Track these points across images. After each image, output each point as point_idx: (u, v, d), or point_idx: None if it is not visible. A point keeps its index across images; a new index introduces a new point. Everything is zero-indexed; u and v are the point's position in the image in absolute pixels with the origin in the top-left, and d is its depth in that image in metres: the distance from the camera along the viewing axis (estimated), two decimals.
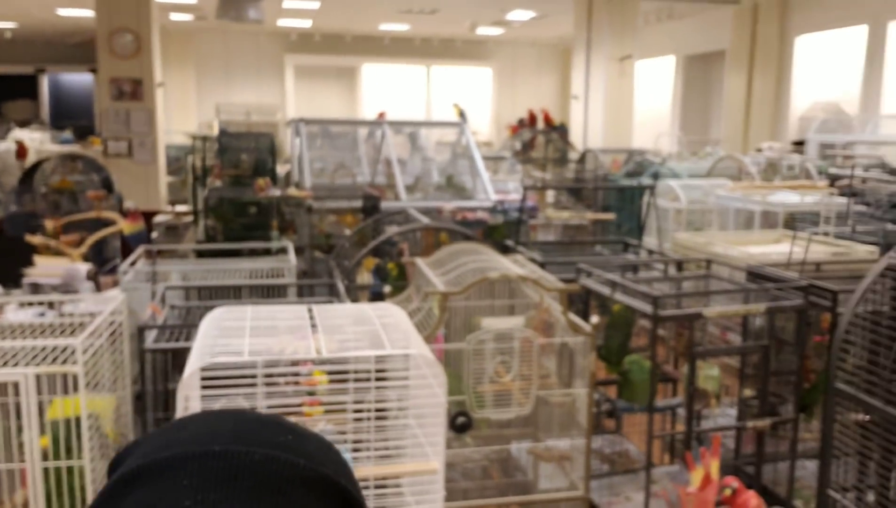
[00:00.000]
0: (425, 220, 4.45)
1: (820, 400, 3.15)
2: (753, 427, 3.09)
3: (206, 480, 0.45)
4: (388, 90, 15.97)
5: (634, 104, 10.84)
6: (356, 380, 1.55)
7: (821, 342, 3.18)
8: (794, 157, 7.91)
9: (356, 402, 1.56)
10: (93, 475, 2.38)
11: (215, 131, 9.86)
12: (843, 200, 5.12)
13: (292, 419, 0.57)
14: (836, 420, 2.44)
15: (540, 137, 11.06)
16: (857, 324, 2.40)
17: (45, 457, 2.29)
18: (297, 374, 1.57)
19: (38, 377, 2.22)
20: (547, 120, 12.22)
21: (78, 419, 2.31)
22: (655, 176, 6.78)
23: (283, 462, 0.47)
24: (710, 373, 3.17)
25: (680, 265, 3.82)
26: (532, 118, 12.46)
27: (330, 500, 0.48)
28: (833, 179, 6.46)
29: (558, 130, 11.48)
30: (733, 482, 1.71)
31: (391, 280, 3.83)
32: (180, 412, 1.42)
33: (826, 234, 4.42)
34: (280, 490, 0.46)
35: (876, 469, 2.35)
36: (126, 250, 4.78)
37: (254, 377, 1.44)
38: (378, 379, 1.57)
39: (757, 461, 3.17)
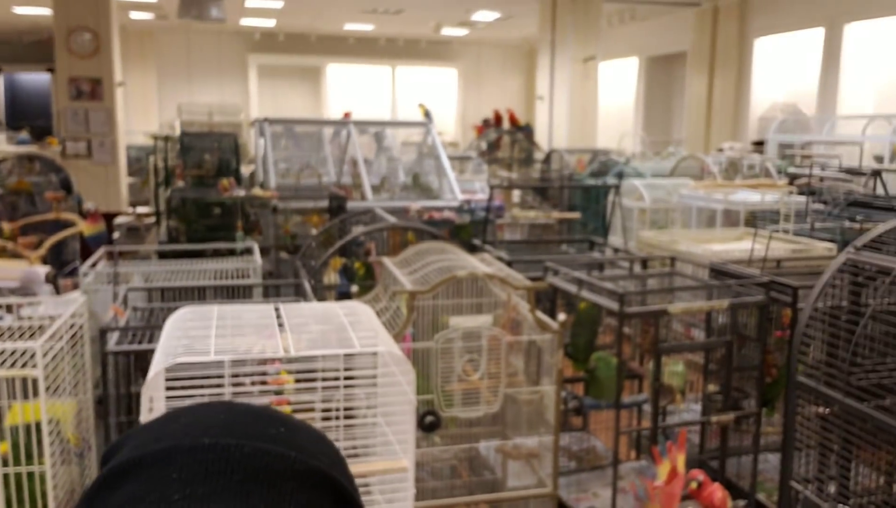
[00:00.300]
0: (392, 219, 4.44)
1: (781, 394, 3.21)
2: (717, 422, 3.14)
3: (196, 473, 0.44)
4: (353, 90, 15.90)
5: (598, 105, 10.95)
6: (324, 379, 1.53)
7: (782, 337, 3.24)
8: (755, 156, 8.06)
9: (324, 401, 1.55)
10: (54, 480, 2.33)
11: (177, 132, 9.72)
12: (802, 198, 5.22)
13: None
14: (798, 413, 2.49)
15: (506, 138, 11.12)
16: (817, 319, 2.45)
17: (4, 463, 2.24)
18: (264, 373, 1.56)
19: None
20: (512, 120, 12.28)
21: (38, 425, 2.26)
22: (620, 176, 6.85)
23: (273, 455, 0.46)
24: (675, 369, 3.22)
25: (645, 263, 3.86)
26: (497, 119, 12.51)
27: (322, 493, 0.47)
28: (792, 178, 6.59)
29: (524, 131, 11.54)
30: (699, 475, 1.74)
31: (358, 280, 3.81)
32: (145, 414, 1.39)
33: (786, 231, 4.51)
34: (270, 483, 0.45)
35: (836, 460, 2.40)
36: (86, 252, 4.69)
37: (220, 376, 1.43)
38: (346, 378, 1.56)
39: (721, 455, 3.22)
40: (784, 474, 2.58)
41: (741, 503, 2.87)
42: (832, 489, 2.44)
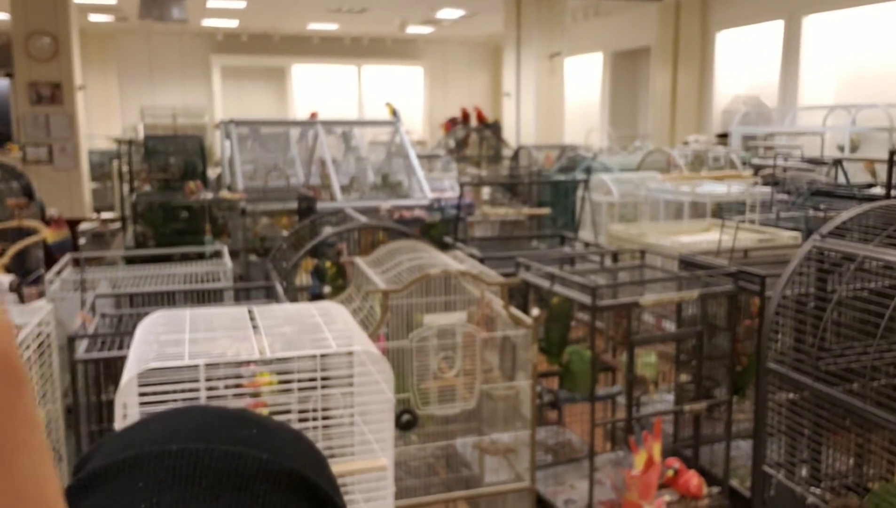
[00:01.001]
0: (363, 219, 4.42)
1: (752, 382, 3.26)
2: (690, 411, 3.18)
3: (163, 481, 0.43)
4: (319, 90, 15.81)
5: (565, 101, 11.02)
6: (300, 380, 1.52)
7: (751, 325, 3.29)
8: (719, 148, 8.17)
9: (301, 402, 1.54)
10: None
11: (140, 135, 9.58)
12: (767, 189, 5.31)
13: None
14: (769, 400, 2.53)
15: (473, 135, 11.13)
16: (786, 306, 2.49)
17: None
18: (239, 376, 1.54)
19: None
20: (480, 118, 12.30)
21: None
22: (588, 171, 6.90)
23: (245, 458, 0.45)
24: (647, 360, 3.25)
25: (615, 257, 3.90)
26: (465, 116, 12.52)
27: (297, 494, 0.46)
28: (756, 169, 6.69)
29: (491, 128, 11.57)
30: (675, 463, 1.76)
31: (330, 280, 3.79)
32: (119, 421, 1.37)
33: (752, 222, 4.58)
34: (242, 487, 0.44)
35: (807, 444, 2.45)
36: (50, 259, 4.60)
37: (195, 381, 1.41)
38: (323, 378, 1.55)
39: (694, 443, 3.26)
40: (756, 459, 2.62)
41: (716, 489, 2.91)
42: (804, 472, 2.48)
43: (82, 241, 7.08)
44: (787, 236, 4.15)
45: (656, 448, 1.67)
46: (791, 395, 2.50)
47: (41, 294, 3.55)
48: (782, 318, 2.51)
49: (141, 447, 0.46)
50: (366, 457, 1.61)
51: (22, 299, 3.37)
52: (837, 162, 6.69)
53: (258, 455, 0.46)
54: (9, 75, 9.14)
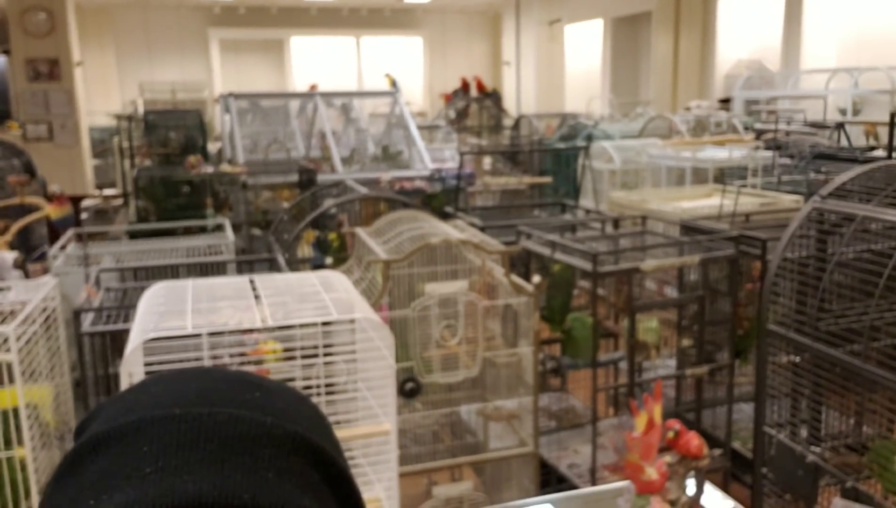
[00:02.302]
0: (364, 190, 4.42)
1: (753, 345, 3.28)
2: (692, 375, 3.20)
3: (167, 445, 0.43)
4: (318, 63, 15.67)
5: (566, 68, 10.93)
6: (303, 347, 1.54)
7: (752, 289, 3.30)
8: (721, 114, 8.11)
9: (304, 370, 1.56)
10: (35, 465, 2.32)
11: (140, 110, 9.54)
12: (769, 153, 5.28)
13: None
14: (770, 362, 2.54)
15: (474, 105, 11.07)
16: (786, 269, 2.50)
17: None
18: (242, 345, 1.56)
19: None
20: (480, 87, 12.22)
21: (15, 410, 2.24)
22: (589, 138, 6.87)
23: (248, 422, 0.45)
24: (649, 326, 3.27)
25: (616, 223, 3.90)
26: (465, 86, 12.44)
27: (301, 457, 0.46)
28: (758, 134, 6.66)
29: (492, 97, 11.51)
30: (676, 424, 1.77)
31: (332, 252, 3.80)
32: None
33: (754, 186, 4.57)
34: (245, 451, 0.44)
35: (808, 405, 2.47)
36: (54, 236, 4.62)
37: (199, 350, 1.42)
38: (325, 346, 1.56)
39: (696, 407, 3.29)
40: (758, 420, 2.65)
41: (717, 452, 2.94)
42: (804, 433, 2.51)
43: (85, 217, 7.10)
44: (788, 200, 4.14)
45: (657, 410, 1.68)
46: (792, 357, 2.52)
47: (45, 270, 3.57)
48: (783, 281, 2.52)
49: (144, 410, 0.46)
50: (370, 423, 1.63)
51: (27, 275, 3.39)
52: (840, 125, 6.65)
53: (262, 418, 0.45)
54: (6, 52, 9.08)
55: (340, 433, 1.57)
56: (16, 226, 4.22)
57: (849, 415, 2.55)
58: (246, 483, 0.42)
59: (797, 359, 2.50)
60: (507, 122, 10.18)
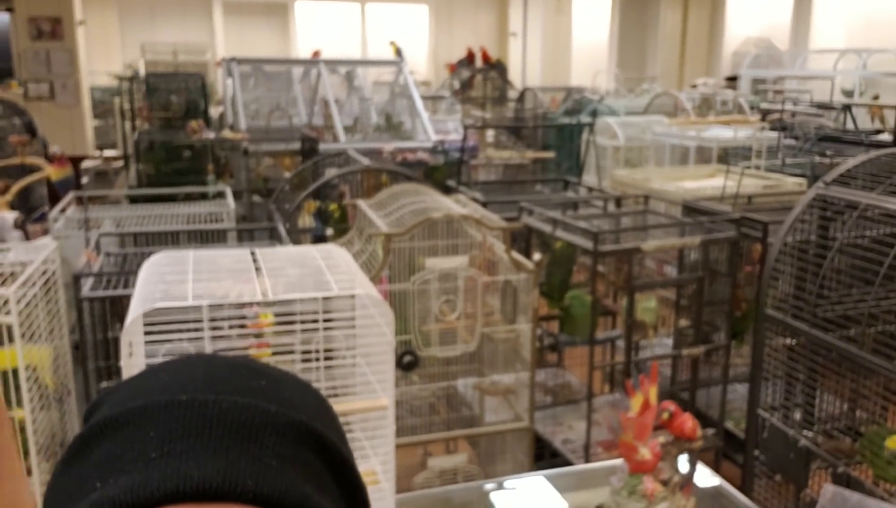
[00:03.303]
0: (366, 161, 4.40)
1: (750, 327, 3.29)
2: (688, 355, 3.22)
3: (173, 430, 0.44)
4: (322, 29, 15.51)
5: (572, 41, 10.82)
6: (303, 321, 1.54)
7: (751, 271, 3.30)
8: (728, 92, 8.05)
9: (304, 343, 1.57)
10: (34, 426, 2.34)
11: (141, 72, 9.46)
12: (774, 134, 5.26)
13: None
14: (766, 345, 2.56)
15: (479, 76, 10.98)
16: (787, 253, 2.50)
17: None
18: (243, 317, 1.56)
19: None
20: (485, 58, 12.11)
21: (15, 371, 2.26)
22: (594, 114, 6.83)
23: (253, 409, 0.45)
24: (647, 305, 3.28)
25: (619, 202, 3.89)
26: (470, 56, 12.33)
27: (305, 446, 0.46)
28: (764, 114, 6.62)
29: (497, 69, 11.41)
30: (670, 406, 1.79)
31: (333, 223, 3.80)
32: (125, 359, 1.40)
33: (757, 167, 4.55)
34: (250, 439, 0.44)
35: (802, 388, 2.48)
36: (54, 197, 4.61)
37: (199, 321, 1.43)
38: (325, 320, 1.57)
39: (692, 386, 3.31)
40: (752, 402, 2.67)
41: (710, 431, 2.97)
42: (797, 416, 2.53)
43: (85, 179, 7.08)
44: (791, 183, 4.13)
45: (652, 392, 1.70)
46: (788, 341, 2.53)
47: (46, 232, 3.57)
48: (783, 265, 2.52)
49: (151, 396, 0.46)
50: (368, 397, 1.64)
51: (27, 236, 3.39)
52: (847, 107, 6.61)
53: (267, 406, 0.46)
54: (9, 10, 8.98)
55: (338, 407, 1.58)
56: (16, 186, 4.21)
57: (842, 400, 2.57)
58: (250, 470, 0.43)
59: (793, 343, 2.51)
60: (512, 94, 10.10)
